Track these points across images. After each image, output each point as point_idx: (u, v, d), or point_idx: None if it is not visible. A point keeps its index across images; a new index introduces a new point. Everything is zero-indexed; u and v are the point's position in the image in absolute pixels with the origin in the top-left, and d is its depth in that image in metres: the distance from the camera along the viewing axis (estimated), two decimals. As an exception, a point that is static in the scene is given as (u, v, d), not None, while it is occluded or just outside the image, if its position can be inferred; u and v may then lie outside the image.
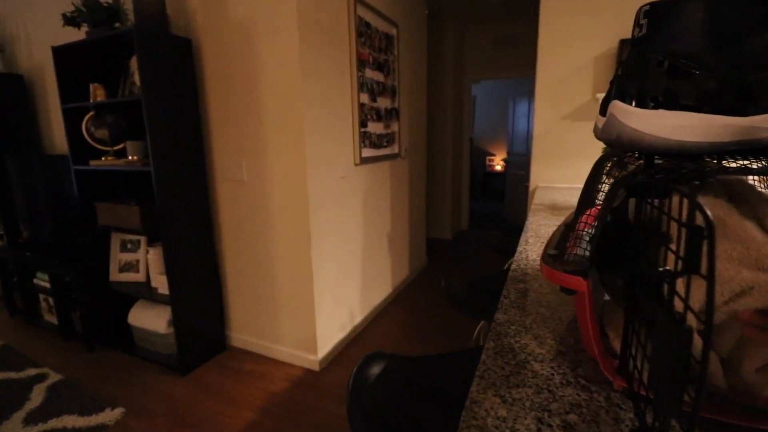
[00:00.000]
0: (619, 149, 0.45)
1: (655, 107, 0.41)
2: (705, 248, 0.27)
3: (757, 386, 0.38)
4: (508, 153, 5.94)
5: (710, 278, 0.25)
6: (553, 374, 0.50)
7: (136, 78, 1.95)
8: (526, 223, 1.38)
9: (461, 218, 5.08)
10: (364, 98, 2.38)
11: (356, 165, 2.34)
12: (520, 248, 1.05)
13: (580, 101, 2.26)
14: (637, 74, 0.43)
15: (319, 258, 2.01)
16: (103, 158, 2.07)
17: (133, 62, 1.98)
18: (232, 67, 1.93)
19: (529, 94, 4.90)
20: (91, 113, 2.03)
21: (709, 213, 0.26)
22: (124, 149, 2.07)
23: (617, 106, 0.43)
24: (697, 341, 0.27)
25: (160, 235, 1.87)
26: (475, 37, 4.57)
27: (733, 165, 0.41)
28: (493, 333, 0.60)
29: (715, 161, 0.44)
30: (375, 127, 2.54)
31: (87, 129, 2.04)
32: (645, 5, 0.42)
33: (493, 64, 4.57)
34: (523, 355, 0.54)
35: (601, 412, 0.43)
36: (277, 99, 1.86)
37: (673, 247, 0.31)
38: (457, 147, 4.73)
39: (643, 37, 0.42)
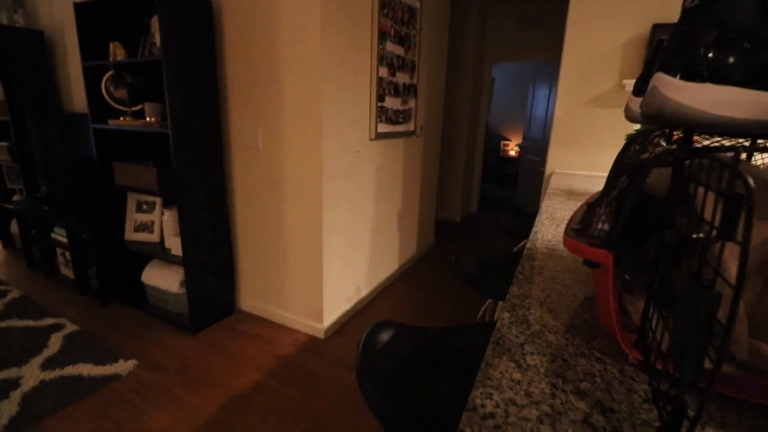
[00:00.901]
0: (658, 123, 0.44)
1: (702, 81, 0.40)
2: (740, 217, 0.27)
3: None
4: (524, 138, 5.84)
5: (745, 244, 0.25)
6: (567, 345, 0.51)
7: (157, 38, 1.94)
8: (542, 205, 1.37)
9: (471, 201, 5.05)
10: (383, 72, 2.34)
11: (371, 140, 2.32)
12: (535, 229, 1.05)
13: (605, 86, 2.20)
14: (685, 46, 0.41)
15: (330, 229, 2.02)
16: (121, 118, 2.08)
17: (154, 22, 1.96)
18: (252, 32, 1.90)
19: (551, 78, 4.76)
20: (111, 72, 2.03)
21: (750, 180, 0.25)
22: (142, 110, 2.07)
23: (661, 78, 0.42)
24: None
25: (176, 197, 1.90)
26: (499, 16, 4.41)
27: (777, 144, 0.40)
28: (508, 305, 0.61)
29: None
30: (392, 103, 2.50)
31: (106, 88, 2.05)
32: (701, -29, 0.41)
33: (516, 45, 4.43)
34: (537, 326, 0.55)
35: (615, 382, 0.44)
36: (295, 67, 1.83)
37: (705, 217, 0.31)
38: (473, 129, 4.65)
39: (695, 8, 0.41)
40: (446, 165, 4.42)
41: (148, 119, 2.01)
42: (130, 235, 2.27)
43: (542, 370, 0.46)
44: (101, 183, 2.18)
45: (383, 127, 2.44)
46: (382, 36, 2.27)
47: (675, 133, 0.53)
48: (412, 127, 2.85)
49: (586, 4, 2.14)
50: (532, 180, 5.09)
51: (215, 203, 2.10)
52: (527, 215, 5.03)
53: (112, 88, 2.05)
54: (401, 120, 2.67)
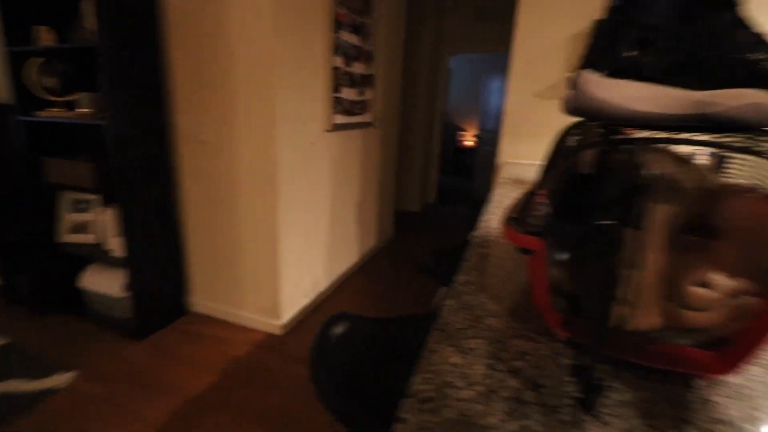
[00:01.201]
0: (584, 118, 0.47)
1: (622, 78, 0.43)
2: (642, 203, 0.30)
3: (695, 299, 0.43)
4: (480, 129, 6.01)
5: (641, 228, 0.27)
6: (506, 328, 0.54)
7: (90, 23, 1.78)
8: (491, 195, 1.42)
9: (430, 192, 5.14)
10: (339, 62, 2.31)
11: (327, 131, 2.29)
12: (483, 218, 1.09)
13: (553, 79, 2.30)
14: (608, 44, 0.44)
15: (286, 224, 1.99)
16: (51, 109, 1.91)
17: (86, 3, 1.80)
18: (199, 18, 1.80)
19: (504, 70, 4.92)
20: (38, 59, 1.84)
21: (648, 173, 0.28)
22: (74, 101, 1.91)
23: (584, 76, 0.44)
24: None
25: (117, 194, 1.78)
26: (458, 6, 4.46)
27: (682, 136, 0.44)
28: (454, 292, 0.64)
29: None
30: (348, 93, 2.48)
31: (34, 76, 1.86)
32: (619, -26, 0.43)
33: (473, 36, 4.51)
34: (479, 311, 0.58)
35: (546, 359, 0.47)
36: (246, 56, 1.76)
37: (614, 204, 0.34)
38: (430, 120, 4.72)
39: (617, 7, 0.44)
40: (404, 156, 4.46)
41: (81, 110, 1.85)
42: (65, 236, 2.10)
43: (480, 353, 0.48)
44: (30, 181, 1.99)
45: (340, 119, 2.41)
46: (337, 25, 2.23)
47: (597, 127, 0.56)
48: (369, 119, 2.84)
49: (534, 1, 2.21)
50: (488, 170, 5.26)
51: (161, 200, 1.98)
52: (484, 205, 5.20)
53: (40, 76, 1.86)
54: (358, 111, 2.65)
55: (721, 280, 0.42)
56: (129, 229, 1.82)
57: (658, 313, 0.43)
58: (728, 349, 0.45)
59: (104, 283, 2.03)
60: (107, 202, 2.07)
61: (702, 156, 0.55)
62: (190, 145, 1.99)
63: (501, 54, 4.85)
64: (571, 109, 0.46)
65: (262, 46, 1.72)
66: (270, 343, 1.97)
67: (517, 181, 1.69)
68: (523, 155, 2.44)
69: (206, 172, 2.00)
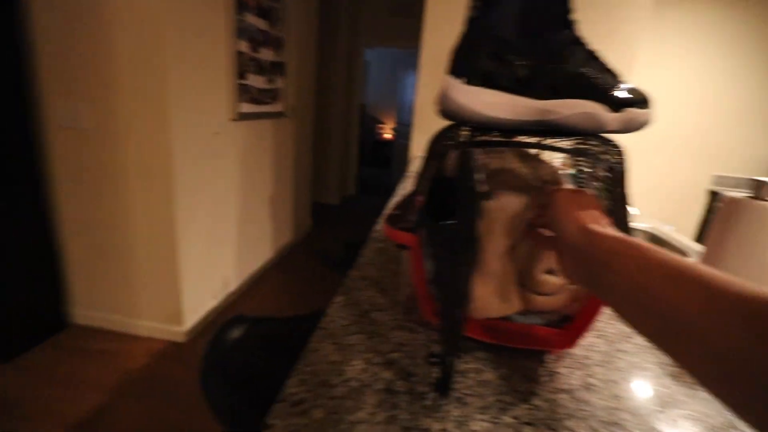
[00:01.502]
0: (450, 121, 0.50)
1: (482, 85, 0.47)
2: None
3: (544, 285, 0.48)
4: (398, 122, 6.16)
5: (470, 224, 0.30)
6: (388, 320, 0.56)
7: None
8: (397, 189, 1.46)
9: (349, 184, 5.15)
10: (243, 46, 2.17)
11: (233, 120, 2.15)
12: (385, 212, 1.11)
13: (456, 78, 2.44)
14: (467, 53, 0.47)
15: (187, 221, 1.83)
16: None
17: None
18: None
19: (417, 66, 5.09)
20: None
21: (476, 176, 0.31)
22: None
23: (447, 81, 0.47)
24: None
25: (-39, 190, 1.47)
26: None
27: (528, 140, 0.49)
28: (344, 288, 0.64)
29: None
30: (256, 80, 2.34)
31: None
32: (475, -13, 0.46)
33: (389, 30, 4.57)
34: (366, 306, 0.59)
35: (421, 348, 0.50)
36: (132, 30, 1.55)
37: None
38: (348, 112, 4.70)
39: (474, 18, 0.47)
40: (322, 147, 4.39)
41: None
42: None
43: (360, 347, 0.49)
44: None
45: (247, 107, 2.28)
46: (241, 6, 2.09)
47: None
48: (280, 108, 2.73)
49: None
50: (405, 162, 5.43)
51: (26, 197, 1.68)
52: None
53: None
54: (268, 100, 2.53)
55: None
56: (-19, 232, 1.52)
57: (513, 300, 0.49)
58: (569, 326, 0.52)
59: (-50, 298, 1.67)
60: (-51, 200, 1.70)
61: (553, 157, 0.62)
62: (64, 133, 1.72)
63: (416, 49, 5.01)
64: (440, 111, 0.48)
65: (151, 22, 1.54)
66: (172, 352, 1.82)
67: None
68: (433, 149, 2.56)
69: (86, 164, 1.74)
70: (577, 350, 0.53)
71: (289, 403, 0.39)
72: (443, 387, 0.37)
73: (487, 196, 0.36)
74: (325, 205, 4.52)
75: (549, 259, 0.49)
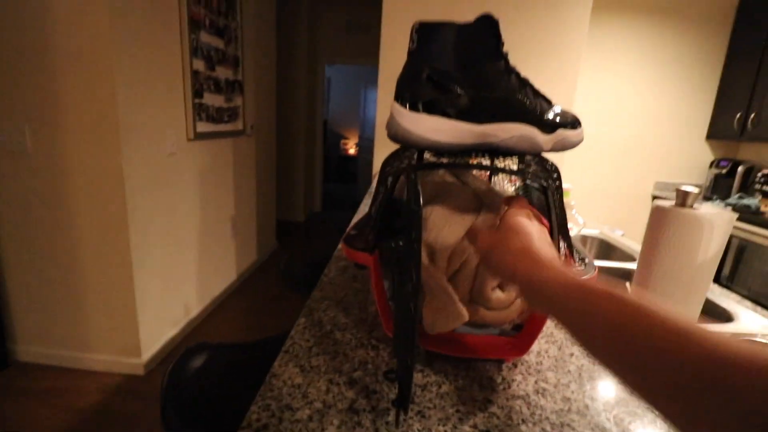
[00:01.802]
0: (398, 144, 0.52)
1: (425, 111, 0.50)
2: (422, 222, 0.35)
3: (496, 302, 0.51)
4: (360, 137, 6.23)
5: (414, 245, 0.32)
6: (351, 339, 0.57)
7: None
8: (360, 206, 1.48)
9: (314, 200, 5.11)
10: (199, 65, 2.13)
11: (190, 140, 2.09)
12: (348, 229, 1.13)
13: (415, 95, 2.51)
14: (410, 82, 0.51)
15: (142, 246, 1.75)
16: None
17: None
18: (10, 11, 1.47)
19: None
20: None
21: (419, 200, 0.33)
22: None
23: (395, 107, 0.50)
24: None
25: None
26: (330, 17, 4.54)
27: (471, 162, 0.53)
28: (306, 309, 0.65)
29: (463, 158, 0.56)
30: (213, 99, 2.31)
31: None
32: (416, 23, 0.50)
33: (347, 48, 4.64)
34: (329, 326, 0.60)
35: (383, 365, 0.51)
36: (79, 48, 1.49)
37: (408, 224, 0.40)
38: (311, 128, 4.70)
39: (414, 51, 0.50)
40: (285, 164, 4.36)
41: None
42: None
43: (323, 369, 0.50)
44: None
45: (204, 126, 2.23)
46: (195, 24, 2.06)
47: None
48: (240, 126, 2.69)
49: (397, 14, 2.36)
50: (370, 177, 5.47)
51: (-41, 228, 1.55)
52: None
53: None
54: (226, 119, 2.49)
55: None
56: None
57: (460, 315, 0.51)
58: (520, 336, 0.55)
59: None
60: None
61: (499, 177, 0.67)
62: (5, 156, 1.60)
63: (375, 66, 5.11)
64: (389, 136, 0.51)
65: (97, 39, 1.49)
66: (129, 386, 1.71)
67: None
68: (395, 164, 2.61)
69: (25, 189, 1.63)
70: (530, 357, 0.56)
71: (253, 429, 0.39)
72: (402, 403, 0.38)
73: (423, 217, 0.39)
74: (291, 222, 4.46)
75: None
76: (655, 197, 2.89)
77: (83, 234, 1.66)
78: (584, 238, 1.30)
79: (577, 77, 2.10)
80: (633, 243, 1.20)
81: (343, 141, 7.68)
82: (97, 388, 1.67)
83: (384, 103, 2.53)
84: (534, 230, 0.42)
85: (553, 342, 0.60)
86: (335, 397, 0.45)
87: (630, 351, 0.26)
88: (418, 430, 0.41)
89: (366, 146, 5.73)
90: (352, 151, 7.61)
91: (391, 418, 0.42)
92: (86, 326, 1.76)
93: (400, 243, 0.36)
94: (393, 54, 2.44)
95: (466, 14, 2.15)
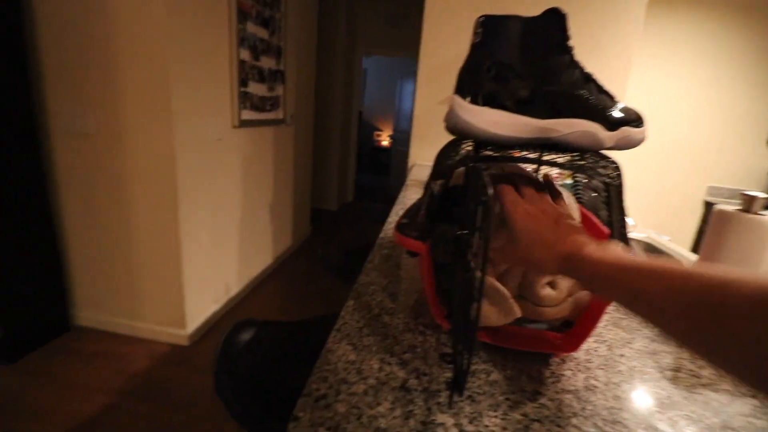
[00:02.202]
0: (457, 136, 0.53)
1: (485, 104, 0.50)
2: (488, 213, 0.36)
3: (546, 299, 0.52)
4: (394, 130, 6.22)
5: (485, 235, 0.33)
6: (399, 324, 0.59)
7: None
8: (399, 196, 1.50)
9: (347, 190, 5.18)
10: (245, 55, 2.21)
11: (235, 127, 2.18)
12: (389, 219, 1.15)
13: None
14: (472, 75, 0.51)
15: (189, 225, 1.85)
16: None
17: None
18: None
19: (415, 74, 5.16)
20: None
21: (490, 191, 0.34)
22: None
23: (455, 100, 0.51)
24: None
25: (-33, 195, 1.48)
26: (369, 9, 4.55)
27: (531, 156, 0.53)
28: (354, 293, 0.67)
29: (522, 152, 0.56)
30: (257, 88, 2.38)
31: None
32: (481, 16, 0.50)
33: (385, 39, 4.64)
34: (377, 310, 0.62)
35: (431, 349, 0.53)
36: (137, 38, 1.59)
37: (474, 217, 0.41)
38: (346, 119, 4.75)
39: (478, 44, 0.51)
40: (321, 154, 4.43)
41: None
42: None
43: (375, 348, 0.52)
44: None
45: (248, 114, 2.31)
46: (242, 15, 2.13)
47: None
48: (281, 115, 2.77)
49: (440, 6, 2.34)
50: (403, 169, 5.48)
51: (29, 202, 1.70)
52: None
53: None
54: (268, 107, 2.57)
55: (563, 281, 0.52)
56: (-14, 236, 1.54)
57: (511, 311, 0.52)
58: (572, 332, 0.55)
59: (-48, 302, 1.68)
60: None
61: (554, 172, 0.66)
62: (67, 138, 1.74)
63: (413, 58, 5.07)
64: (448, 127, 0.52)
65: (153, 29, 1.57)
66: (175, 355, 1.83)
67: (424, 184, 1.80)
68: (431, 158, 2.60)
69: (89, 169, 1.76)
70: (579, 354, 0.56)
71: (313, 398, 0.42)
72: (458, 386, 0.40)
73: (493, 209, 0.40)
74: (324, 211, 4.55)
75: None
76: (707, 203, 2.73)
77: (138, 211, 1.78)
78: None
79: (629, 73, 2.01)
80: (681, 249, 1.15)
81: (376, 132, 7.71)
82: (145, 355, 1.80)
83: (423, 95, 2.52)
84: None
85: (602, 341, 0.60)
86: (388, 376, 0.47)
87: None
88: (469, 413, 0.42)
89: (400, 138, 5.71)
90: (385, 142, 7.62)
91: (442, 399, 0.44)
92: (138, 296, 1.89)
93: (465, 231, 0.38)
94: (434, 46, 2.42)
95: (509, 7, 2.09)
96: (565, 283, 0.51)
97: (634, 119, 0.55)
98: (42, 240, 1.77)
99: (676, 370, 0.55)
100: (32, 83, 1.66)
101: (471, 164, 0.44)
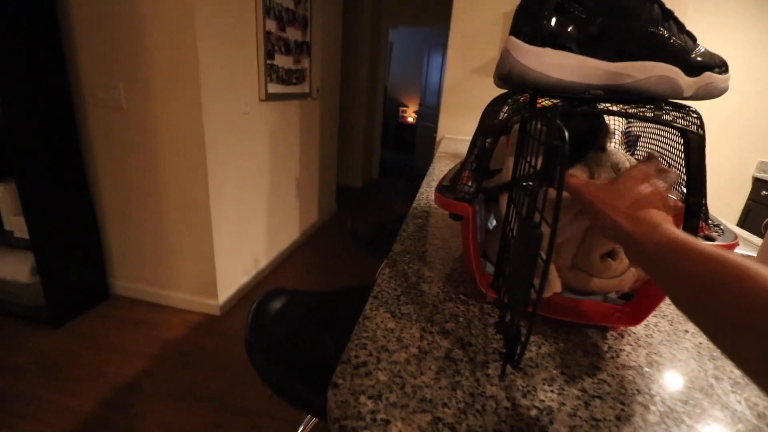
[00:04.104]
0: (509, 85, 0.48)
1: (543, 46, 0.44)
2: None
3: (601, 271, 0.47)
4: (420, 105, 6.06)
5: (559, 187, 0.29)
6: (438, 293, 0.55)
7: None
8: (430, 168, 1.44)
9: (372, 167, 5.13)
10: (271, 25, 2.15)
11: (261, 101, 2.16)
12: (421, 190, 1.10)
13: (489, 56, 2.36)
14: (531, 13, 0.45)
15: (219, 198, 1.86)
16: None
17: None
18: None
19: (444, 46, 4.95)
20: None
21: (566, 132, 0.29)
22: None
23: (511, 42, 0.45)
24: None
25: (11, 166, 1.54)
26: (395, -24, 4.36)
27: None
28: (390, 261, 0.64)
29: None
30: (283, 61, 2.34)
31: None
32: (544, -58, 0.44)
33: (413, 9, 4.45)
34: (414, 278, 0.59)
35: (474, 320, 0.49)
36: (165, 12, 1.57)
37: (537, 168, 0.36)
38: (372, 94, 4.64)
39: (539, -25, 0.44)
40: (346, 130, 4.38)
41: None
42: (-52, 215, 1.79)
43: (414, 317, 0.49)
44: None
45: (275, 88, 2.28)
46: (268, -16, 2.07)
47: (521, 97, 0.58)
48: (307, 89, 2.72)
49: (470, -24, 2.21)
50: (428, 146, 5.35)
51: (68, 172, 1.75)
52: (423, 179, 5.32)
53: None
54: (294, 81, 2.52)
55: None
56: (31, 205, 1.59)
57: (553, 287, 0.47)
58: (633, 305, 0.50)
59: (8, 267, 1.78)
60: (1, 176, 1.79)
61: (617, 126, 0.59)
62: (100, 111, 1.76)
63: (439, 30, 4.85)
64: (500, 75, 0.46)
65: (180, 5, 1.54)
66: (207, 324, 1.88)
67: (455, 155, 1.74)
68: (461, 131, 2.51)
69: (121, 141, 1.79)
70: (637, 329, 0.51)
71: (352, 365, 0.39)
72: (514, 358, 0.36)
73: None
74: (349, 188, 4.53)
75: (607, 243, 0.47)
76: (757, 179, 2.53)
77: (169, 183, 1.81)
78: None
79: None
80: (733, 226, 1.05)
81: (401, 108, 7.54)
82: (180, 323, 1.87)
83: (453, 64, 2.40)
84: (645, 189, 0.37)
85: (663, 316, 0.55)
86: (430, 345, 0.44)
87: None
88: (522, 386, 0.39)
89: (427, 114, 5.56)
90: (410, 119, 7.46)
91: (491, 371, 0.40)
92: (172, 267, 1.94)
93: (530, 183, 0.33)
94: (467, 9, 2.29)
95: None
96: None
97: (718, 64, 0.47)
98: (81, 210, 1.83)
99: (751, 350, 0.49)
100: (67, 58, 1.68)
101: (551, 114, 0.39)
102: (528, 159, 0.38)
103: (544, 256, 0.30)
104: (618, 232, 0.34)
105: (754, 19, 2.32)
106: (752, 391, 0.41)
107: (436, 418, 0.34)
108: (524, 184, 0.34)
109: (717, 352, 0.48)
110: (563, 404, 0.37)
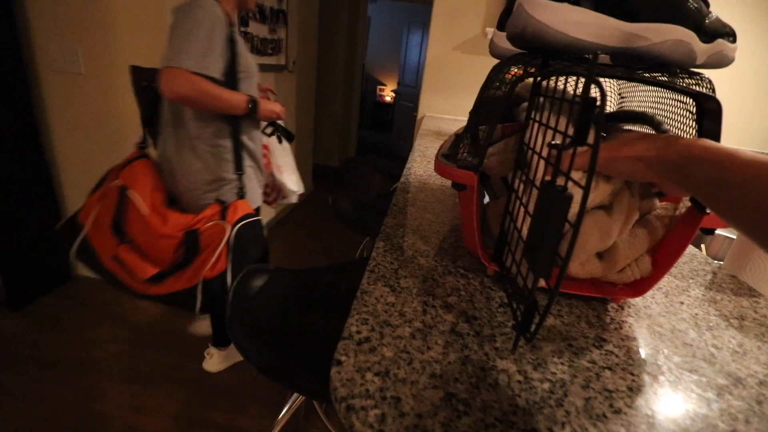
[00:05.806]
0: (522, 45, 0.45)
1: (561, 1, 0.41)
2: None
3: (623, 277, 0.46)
4: (399, 84, 5.96)
5: (595, 146, 0.26)
6: (436, 266, 0.53)
7: None
8: (414, 144, 1.41)
9: (349, 146, 5.04)
10: (246, -10, 2.01)
11: (236, 71, 2.03)
12: (408, 165, 1.07)
13: (471, 33, 2.32)
14: (547, -35, 0.42)
15: (192, 175, 1.76)
16: None
17: None
18: None
19: (424, 23, 4.84)
20: None
21: (605, 85, 0.26)
22: None
23: (525, -3, 0.41)
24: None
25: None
26: (375, -54, 4.18)
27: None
28: (383, 235, 0.61)
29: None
30: (258, 29, 2.20)
31: None
32: None
33: (391, -18, 4.30)
34: (410, 252, 0.56)
35: (476, 293, 0.48)
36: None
37: (560, 129, 0.33)
38: (349, 70, 4.51)
39: None
40: (323, 107, 4.25)
41: None
42: None
43: (414, 290, 0.47)
44: None
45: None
46: (241, -56, 1.92)
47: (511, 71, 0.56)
48: (283, 61, 2.60)
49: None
50: (406, 125, 5.29)
51: (22, 145, 1.60)
52: (402, 159, 5.29)
53: None
54: (270, 51, 2.39)
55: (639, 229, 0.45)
56: (-23, 179, 1.45)
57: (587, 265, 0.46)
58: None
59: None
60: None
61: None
62: (57, 77, 1.61)
63: (419, 6, 4.72)
64: (512, 35, 0.43)
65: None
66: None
67: (438, 133, 1.71)
68: (442, 110, 2.47)
69: (82, 111, 1.65)
70: (636, 300, 0.51)
71: (355, 341, 0.37)
72: (529, 330, 0.34)
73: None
74: (326, 167, 4.44)
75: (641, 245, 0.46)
76: None
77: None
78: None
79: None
80: None
81: (379, 87, 7.39)
82: (150, 304, 1.78)
83: (436, 38, 2.34)
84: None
85: (657, 288, 0.55)
86: (434, 319, 0.42)
87: None
88: (532, 359, 0.37)
89: (406, 93, 5.48)
90: (388, 98, 7.33)
91: (499, 344, 0.39)
92: (140, 248, 1.84)
93: (557, 143, 0.31)
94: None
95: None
96: (642, 231, 0.45)
97: (729, 32, 0.46)
98: (38, 186, 1.69)
99: (741, 318, 0.51)
100: (16, 16, 1.50)
101: (587, 75, 0.36)
102: (545, 122, 0.36)
103: (572, 220, 0.28)
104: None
105: (756, 19, 2.33)
106: (750, 360, 0.42)
107: (448, 393, 0.32)
108: (551, 143, 0.31)
109: (713, 323, 0.48)
110: (575, 376, 0.36)
